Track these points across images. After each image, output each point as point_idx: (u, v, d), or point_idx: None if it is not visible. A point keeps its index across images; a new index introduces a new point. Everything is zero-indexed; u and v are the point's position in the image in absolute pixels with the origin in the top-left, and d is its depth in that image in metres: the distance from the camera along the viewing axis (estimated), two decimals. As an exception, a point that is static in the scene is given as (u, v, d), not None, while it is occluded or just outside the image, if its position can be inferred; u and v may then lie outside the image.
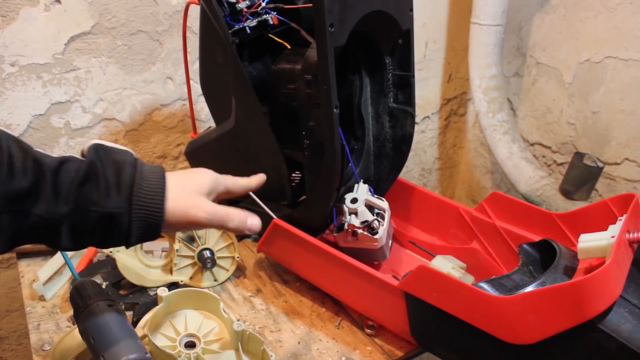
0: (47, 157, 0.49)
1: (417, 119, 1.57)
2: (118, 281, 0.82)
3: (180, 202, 0.52)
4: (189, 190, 0.53)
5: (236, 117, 0.84)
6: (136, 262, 0.81)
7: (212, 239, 0.83)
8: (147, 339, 0.63)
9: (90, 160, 0.50)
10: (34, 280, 0.83)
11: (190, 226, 0.53)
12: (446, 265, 0.78)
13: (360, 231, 0.79)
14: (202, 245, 0.82)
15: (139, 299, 0.79)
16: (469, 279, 0.79)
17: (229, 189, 0.59)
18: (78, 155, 0.52)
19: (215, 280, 0.85)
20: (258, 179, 0.64)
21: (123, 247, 0.78)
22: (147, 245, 0.86)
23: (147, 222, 0.50)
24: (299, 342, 0.75)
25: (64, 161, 0.49)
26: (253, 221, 0.56)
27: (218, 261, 0.84)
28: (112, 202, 0.49)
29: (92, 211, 0.48)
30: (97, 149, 0.51)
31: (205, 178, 0.56)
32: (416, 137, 1.43)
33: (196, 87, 1.06)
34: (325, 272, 0.78)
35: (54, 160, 0.49)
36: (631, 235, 0.61)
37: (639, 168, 1.27)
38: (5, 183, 0.46)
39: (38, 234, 0.49)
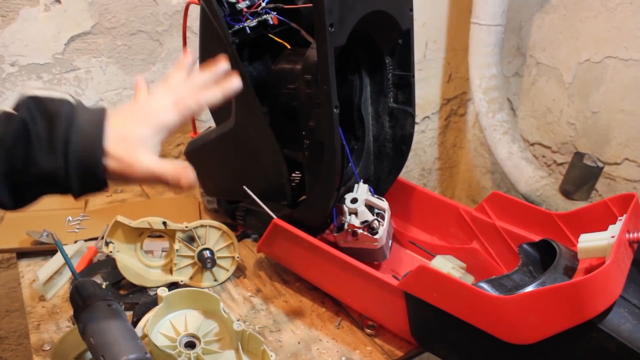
0: None
1: (417, 119, 1.57)
2: (118, 281, 0.82)
3: (118, 158, 0.50)
4: (129, 144, 0.51)
5: (236, 117, 0.84)
6: (136, 262, 0.81)
7: (212, 239, 0.83)
8: (147, 339, 0.63)
9: (21, 119, 0.47)
10: (34, 280, 0.83)
11: (131, 181, 0.52)
12: (446, 265, 0.78)
13: (360, 231, 0.79)
14: (202, 245, 0.82)
15: (139, 299, 0.79)
16: (469, 279, 0.79)
17: (182, 121, 0.56)
18: (9, 109, 0.49)
19: (215, 280, 0.85)
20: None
21: (123, 247, 0.79)
22: (147, 245, 0.86)
23: (86, 176, 0.49)
24: (299, 342, 0.75)
25: None
26: (188, 174, 0.53)
27: (218, 261, 0.84)
28: (47, 162, 0.47)
29: (28, 173, 0.47)
30: (28, 104, 0.49)
31: (150, 130, 0.52)
32: (416, 137, 1.43)
33: (196, 87, 1.06)
34: (325, 272, 0.78)
35: None
36: (631, 235, 0.61)
37: (639, 168, 1.27)
38: None
39: None
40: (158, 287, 0.77)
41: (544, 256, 0.73)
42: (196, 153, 0.95)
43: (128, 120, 0.52)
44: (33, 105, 0.48)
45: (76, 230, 0.96)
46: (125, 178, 0.51)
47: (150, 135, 0.52)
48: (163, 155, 1.22)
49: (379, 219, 0.80)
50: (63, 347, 0.67)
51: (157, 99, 0.56)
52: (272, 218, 0.80)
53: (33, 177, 0.47)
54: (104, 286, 0.79)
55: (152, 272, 0.82)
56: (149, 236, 0.82)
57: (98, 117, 0.50)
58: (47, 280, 0.81)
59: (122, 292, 0.81)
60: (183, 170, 0.52)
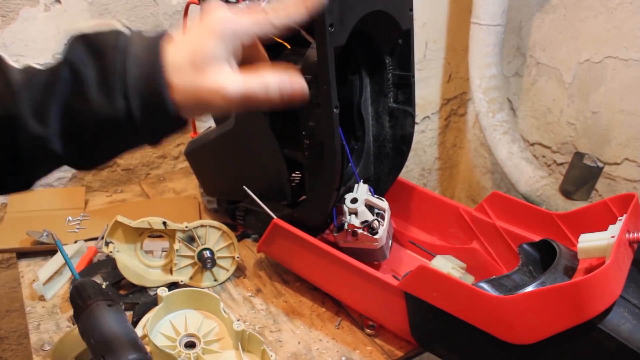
0: (20, 74, 0.41)
1: (417, 119, 1.57)
2: (118, 281, 0.82)
3: (190, 89, 0.41)
4: (198, 66, 0.41)
5: (236, 117, 0.84)
6: (136, 262, 0.81)
7: (212, 239, 0.83)
8: (147, 339, 0.63)
9: (70, 63, 0.41)
10: (34, 280, 0.83)
11: (215, 111, 0.45)
12: (446, 265, 0.78)
13: (360, 231, 0.79)
14: (202, 245, 0.82)
15: (139, 299, 0.79)
16: (469, 279, 0.79)
17: (256, 35, 0.44)
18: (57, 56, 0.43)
19: (215, 280, 0.85)
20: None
21: (123, 247, 0.79)
22: (147, 245, 0.86)
23: (155, 116, 0.41)
24: (299, 342, 0.75)
25: (36, 72, 0.41)
26: (297, 80, 0.44)
27: (218, 261, 0.84)
28: (106, 107, 0.40)
29: (88, 124, 0.40)
30: (76, 45, 0.41)
31: (218, 40, 0.42)
32: (416, 137, 1.43)
33: (196, 87, 1.06)
34: (325, 272, 0.78)
35: (25, 72, 0.41)
36: (631, 235, 0.61)
37: (639, 168, 1.27)
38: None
39: (42, 163, 0.43)
40: (158, 287, 0.77)
41: (544, 256, 0.73)
42: (196, 153, 0.95)
43: (190, 38, 0.42)
44: (81, 46, 0.41)
45: (76, 230, 0.95)
46: (207, 109, 0.43)
47: (221, 47, 0.42)
48: (163, 155, 1.22)
49: (379, 219, 0.80)
50: (63, 347, 0.67)
51: (224, 9, 0.44)
52: (272, 218, 0.80)
53: (95, 127, 0.40)
54: (104, 286, 0.79)
55: (152, 272, 0.82)
56: (149, 236, 0.82)
57: (154, 41, 0.41)
58: (47, 280, 0.81)
59: (122, 292, 0.81)
60: (289, 77, 0.43)
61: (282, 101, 0.43)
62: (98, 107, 0.40)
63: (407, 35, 0.82)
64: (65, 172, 1.13)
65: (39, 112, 0.40)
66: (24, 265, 0.89)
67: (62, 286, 0.84)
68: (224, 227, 0.83)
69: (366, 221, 0.79)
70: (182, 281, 0.82)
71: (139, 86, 0.40)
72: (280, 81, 0.43)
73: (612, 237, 0.61)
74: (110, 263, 0.85)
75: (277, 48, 0.83)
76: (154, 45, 0.41)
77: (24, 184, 0.44)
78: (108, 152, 0.44)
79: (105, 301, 0.59)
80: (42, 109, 0.40)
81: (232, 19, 0.43)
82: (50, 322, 0.77)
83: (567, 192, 1.26)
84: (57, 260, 0.84)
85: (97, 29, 0.42)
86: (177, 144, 1.24)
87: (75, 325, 0.60)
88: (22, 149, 0.41)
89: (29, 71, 0.41)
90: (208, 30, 0.42)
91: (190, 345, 0.66)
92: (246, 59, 0.45)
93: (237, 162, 0.89)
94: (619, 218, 0.65)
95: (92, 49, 0.41)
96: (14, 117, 0.40)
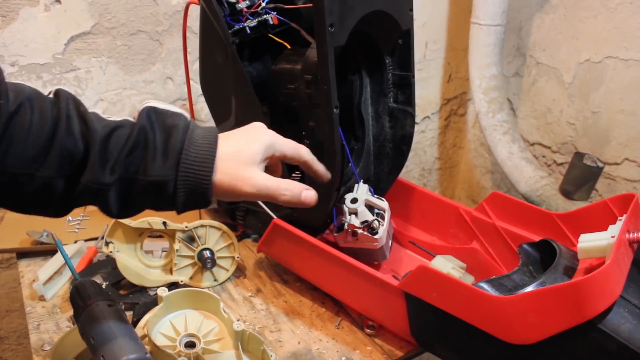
0: (99, 123, 0.49)
1: (417, 119, 1.57)
2: (118, 281, 0.82)
3: (229, 173, 0.50)
4: (240, 160, 0.51)
5: (236, 117, 0.84)
6: (136, 262, 0.81)
7: (212, 239, 0.83)
8: (147, 339, 0.63)
9: (141, 126, 0.49)
10: (34, 280, 0.83)
11: (238, 198, 0.52)
12: (446, 265, 0.78)
13: (360, 231, 0.79)
14: (202, 245, 0.82)
15: (139, 299, 0.79)
16: (469, 279, 0.79)
17: (286, 156, 0.56)
18: (131, 118, 0.51)
19: (215, 280, 0.85)
20: (323, 171, 0.60)
21: (123, 247, 0.79)
22: (147, 245, 0.86)
23: (193, 191, 0.49)
24: (299, 342, 0.75)
25: (115, 127, 0.49)
26: (308, 194, 0.54)
27: (218, 261, 0.84)
28: (158, 170, 0.48)
29: (138, 180, 0.48)
30: (149, 113, 0.50)
31: (260, 146, 0.53)
32: (416, 137, 1.43)
33: (196, 87, 1.06)
34: (325, 272, 0.78)
35: (106, 127, 0.48)
36: (631, 235, 0.61)
37: (639, 168, 1.27)
38: (64, 145, 0.47)
39: (87, 199, 0.49)
40: (158, 287, 0.77)
41: (544, 256, 0.73)
42: (196, 153, 0.95)
43: (239, 138, 0.53)
44: (153, 116, 0.50)
45: (76, 230, 0.96)
46: (233, 193, 0.51)
47: (261, 152, 0.53)
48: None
49: (379, 219, 0.80)
50: (63, 347, 0.67)
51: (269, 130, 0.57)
52: (272, 218, 0.80)
53: (142, 184, 0.48)
54: (104, 286, 0.79)
55: (152, 272, 0.82)
56: (149, 236, 0.82)
57: (211, 134, 0.51)
58: (47, 280, 0.81)
59: (122, 292, 0.81)
60: (303, 191, 0.54)
61: (290, 205, 0.54)
62: (154, 170, 0.48)
63: (407, 35, 0.82)
64: (65, 172, 1.12)
65: (109, 164, 0.48)
66: (24, 265, 0.89)
67: (62, 286, 0.84)
68: (224, 227, 0.83)
69: (366, 221, 0.79)
70: (182, 281, 0.82)
71: (191, 166, 0.49)
72: (296, 193, 0.54)
73: (612, 237, 0.61)
74: (110, 263, 0.85)
75: (277, 48, 0.83)
76: (212, 135, 0.51)
77: (62, 213, 0.51)
78: (140, 208, 0.51)
79: (105, 301, 0.59)
80: (114, 163, 0.48)
81: (276, 136, 0.55)
82: (50, 322, 0.77)
83: (567, 192, 1.26)
84: (57, 260, 0.84)
85: (166, 106, 0.52)
86: (177, 144, 1.24)
87: (75, 325, 0.60)
88: (77, 188, 0.48)
89: (109, 125, 0.49)
90: (254, 137, 0.53)
91: (190, 345, 0.66)
92: (268, 168, 0.56)
93: (237, 162, 0.89)
94: (619, 218, 0.65)
95: (161, 122, 0.50)
96: (85, 160, 0.47)
